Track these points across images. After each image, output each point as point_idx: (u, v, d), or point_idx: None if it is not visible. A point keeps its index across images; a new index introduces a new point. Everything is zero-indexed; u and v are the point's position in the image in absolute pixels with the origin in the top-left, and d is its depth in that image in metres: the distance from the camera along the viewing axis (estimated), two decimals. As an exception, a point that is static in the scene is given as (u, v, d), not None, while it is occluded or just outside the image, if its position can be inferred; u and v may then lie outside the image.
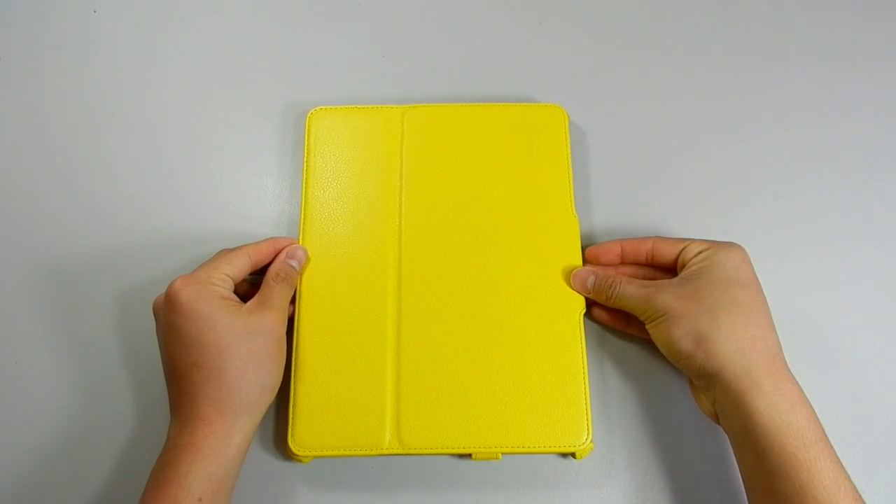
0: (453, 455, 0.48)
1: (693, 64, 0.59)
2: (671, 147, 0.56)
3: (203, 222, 0.54)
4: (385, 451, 0.46)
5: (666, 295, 0.45)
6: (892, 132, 0.57)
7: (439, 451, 0.46)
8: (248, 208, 0.55)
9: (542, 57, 0.60)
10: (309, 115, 0.55)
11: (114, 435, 0.48)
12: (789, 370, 0.43)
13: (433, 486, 0.47)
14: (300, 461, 0.47)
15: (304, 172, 0.53)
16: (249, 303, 0.45)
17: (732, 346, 0.42)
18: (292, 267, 0.49)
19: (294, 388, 0.47)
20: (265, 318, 0.44)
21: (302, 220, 0.51)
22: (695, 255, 0.47)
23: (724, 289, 0.44)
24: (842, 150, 0.56)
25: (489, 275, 0.50)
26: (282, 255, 0.49)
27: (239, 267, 0.46)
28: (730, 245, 0.46)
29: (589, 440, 0.46)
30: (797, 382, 0.42)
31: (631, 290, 0.47)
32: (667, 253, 0.48)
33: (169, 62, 0.60)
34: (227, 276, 0.46)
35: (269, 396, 0.45)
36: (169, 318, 0.44)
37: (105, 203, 0.55)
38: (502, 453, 0.46)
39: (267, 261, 0.49)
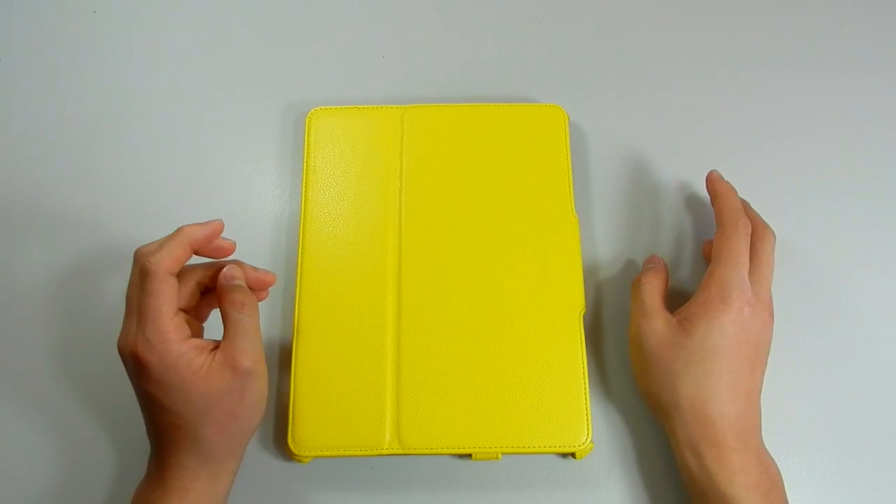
0: (453, 455, 0.48)
1: (693, 63, 0.59)
2: (671, 147, 0.56)
3: (203, 222, 0.54)
4: (385, 451, 0.46)
5: (655, 331, 0.45)
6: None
7: (439, 451, 0.46)
8: (248, 208, 0.55)
9: (542, 57, 0.60)
10: (309, 115, 0.55)
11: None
12: (743, 440, 0.43)
13: (433, 486, 0.47)
14: (300, 461, 0.47)
15: (304, 172, 0.53)
16: (218, 357, 0.40)
17: (689, 417, 0.43)
18: (243, 287, 0.42)
19: (294, 388, 0.47)
20: (237, 372, 0.40)
21: (302, 220, 0.51)
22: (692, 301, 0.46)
23: (696, 360, 0.44)
24: (843, 150, 0.56)
25: (489, 275, 0.49)
26: (222, 280, 0.42)
27: (184, 288, 0.42)
28: (719, 308, 0.44)
29: (589, 440, 0.46)
30: (750, 452, 0.42)
31: (644, 293, 0.47)
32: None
33: (169, 62, 0.60)
34: (178, 311, 0.40)
35: (253, 432, 0.44)
36: (139, 382, 0.40)
37: (104, 204, 0.55)
38: (502, 453, 0.46)
39: (207, 245, 0.42)
